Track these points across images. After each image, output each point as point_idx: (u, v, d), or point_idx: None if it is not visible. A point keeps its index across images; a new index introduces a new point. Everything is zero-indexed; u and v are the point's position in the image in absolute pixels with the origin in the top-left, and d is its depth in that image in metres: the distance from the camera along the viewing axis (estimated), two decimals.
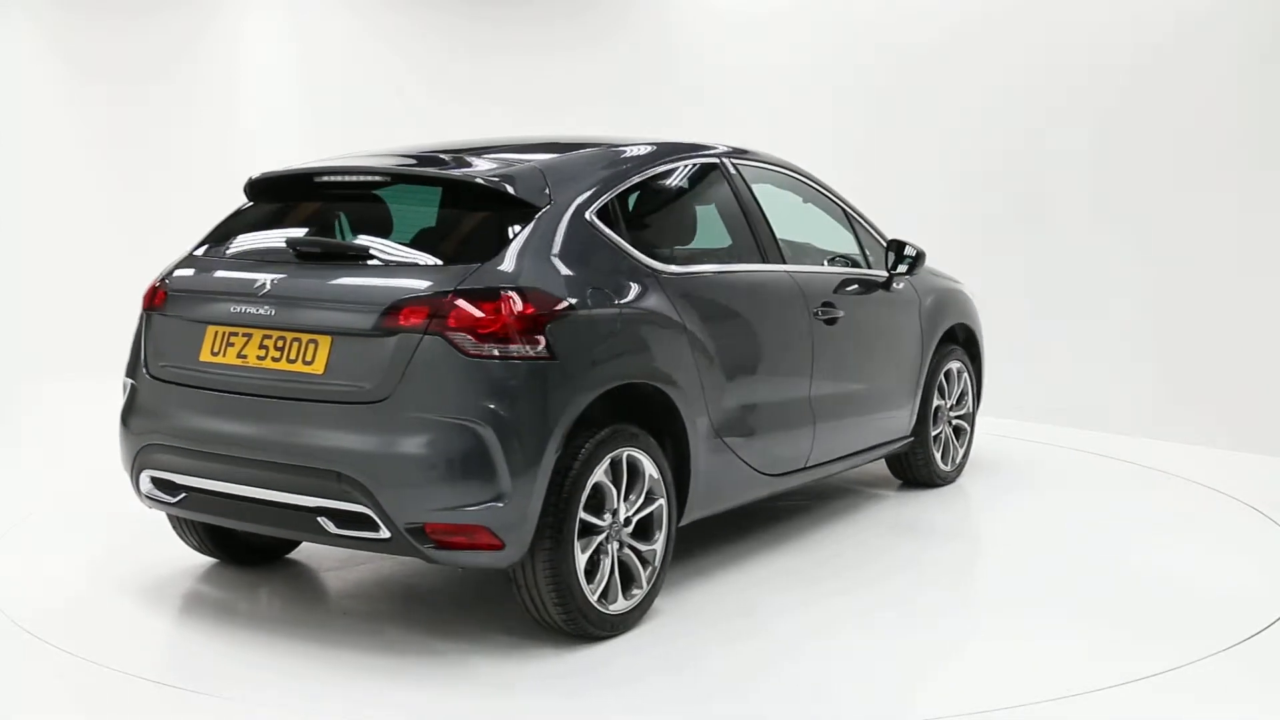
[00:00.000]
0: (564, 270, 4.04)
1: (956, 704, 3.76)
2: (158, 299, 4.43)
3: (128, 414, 4.41)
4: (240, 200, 4.72)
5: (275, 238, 4.34)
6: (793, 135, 9.18)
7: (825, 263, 5.61)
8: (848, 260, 5.70)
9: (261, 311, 4.05)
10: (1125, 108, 7.90)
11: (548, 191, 4.18)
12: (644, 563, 4.26)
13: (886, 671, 4.05)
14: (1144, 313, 7.87)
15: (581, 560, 3.98)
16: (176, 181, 9.95)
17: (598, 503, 4.07)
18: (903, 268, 5.72)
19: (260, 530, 4.34)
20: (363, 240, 4.29)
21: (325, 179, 4.44)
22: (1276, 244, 7.32)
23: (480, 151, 4.58)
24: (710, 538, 5.34)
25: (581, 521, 3.99)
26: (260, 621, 4.44)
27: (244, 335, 4.09)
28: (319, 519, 3.93)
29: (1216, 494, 6.29)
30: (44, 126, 10.13)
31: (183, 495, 4.27)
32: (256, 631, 4.32)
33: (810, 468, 5.25)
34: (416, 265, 3.99)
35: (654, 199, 4.84)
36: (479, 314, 3.78)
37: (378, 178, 4.40)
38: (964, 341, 6.45)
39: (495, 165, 4.31)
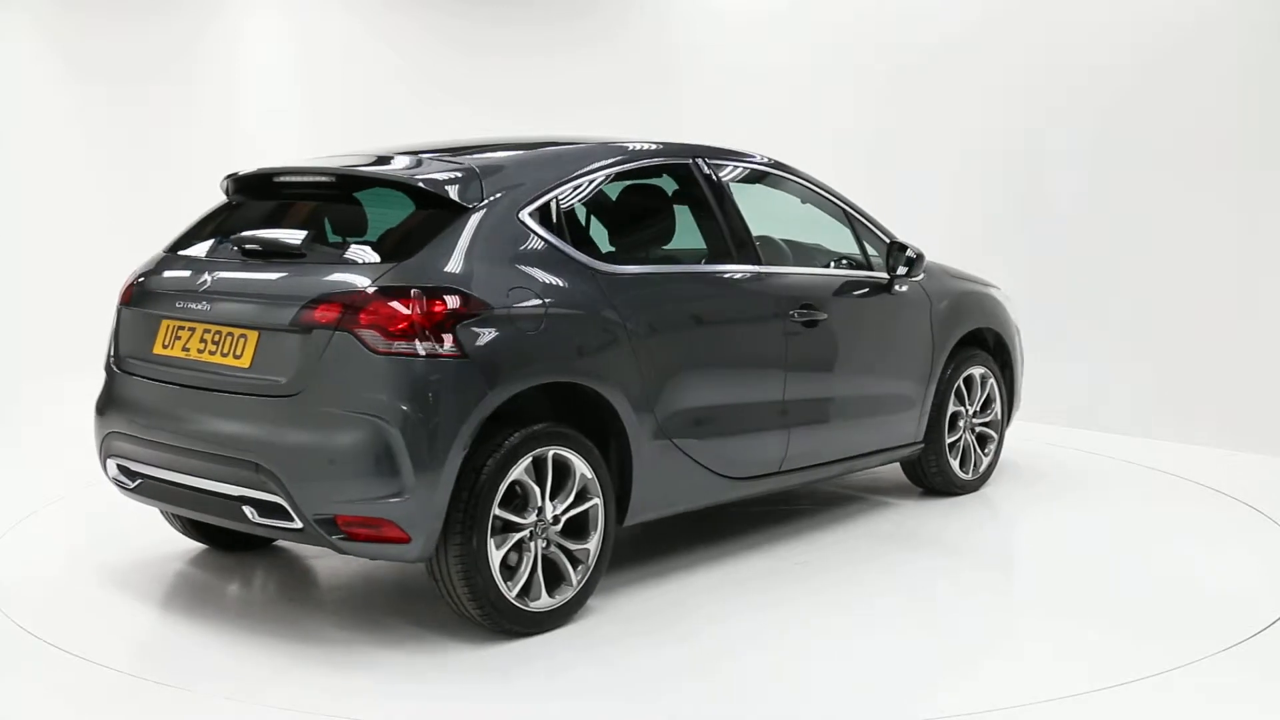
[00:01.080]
0: (484, 269, 4.09)
1: (956, 704, 3.76)
2: (127, 294, 4.64)
3: (99, 403, 4.64)
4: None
5: (229, 236, 4.53)
6: (793, 135, 9.18)
7: (831, 265, 5.56)
8: (851, 262, 5.61)
9: (201, 307, 4.26)
10: (1125, 108, 7.90)
11: (481, 192, 4.25)
12: (576, 562, 4.30)
13: (811, 674, 4.05)
14: (1144, 312, 7.87)
15: (496, 556, 4.03)
16: (176, 181, 9.94)
17: (522, 500, 4.14)
18: (902, 270, 5.60)
19: (203, 519, 4.47)
20: (298, 238, 4.41)
21: (280, 179, 4.59)
22: (1277, 244, 7.32)
23: (443, 152, 4.65)
24: (680, 540, 5.32)
25: (498, 518, 4.05)
26: (264, 621, 4.44)
27: (189, 329, 4.29)
28: (243, 508, 4.09)
29: (1216, 494, 6.29)
30: (44, 126, 10.13)
31: (139, 482, 4.47)
32: (260, 632, 4.32)
33: (787, 472, 5.17)
34: (341, 263, 4.13)
35: (607, 200, 4.92)
36: (388, 312, 3.87)
37: (323, 178, 4.49)
38: (995, 347, 6.28)
39: (435, 166, 4.41)
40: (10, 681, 3.98)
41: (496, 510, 4.03)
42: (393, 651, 4.12)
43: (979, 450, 6.19)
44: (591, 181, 4.65)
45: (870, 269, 5.63)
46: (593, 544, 4.32)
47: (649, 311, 4.52)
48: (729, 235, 5.02)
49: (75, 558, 5.16)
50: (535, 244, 4.28)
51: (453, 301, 3.96)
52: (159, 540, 5.25)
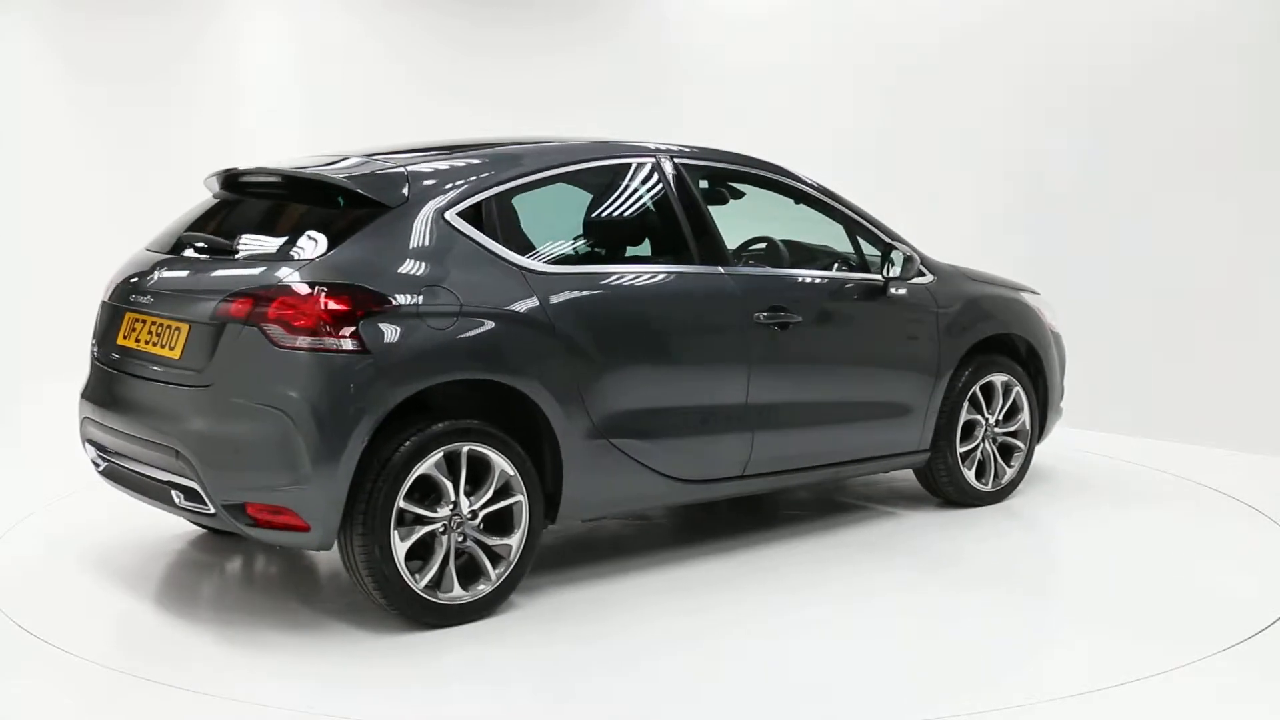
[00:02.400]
0: (395, 267, 4.20)
1: (955, 704, 3.76)
2: (108, 289, 4.87)
3: (81, 390, 4.87)
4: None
5: (188, 233, 4.70)
6: (793, 135, 9.18)
7: (835, 267, 5.50)
8: (851, 264, 5.54)
9: (149, 300, 4.50)
10: (1125, 108, 7.90)
11: (406, 192, 4.36)
12: (497, 557, 4.36)
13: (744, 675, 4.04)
14: (1144, 312, 7.87)
15: (400, 548, 4.13)
16: (176, 181, 9.92)
17: (436, 494, 4.23)
18: (894, 271, 5.43)
19: (148, 503, 4.58)
20: (233, 236, 4.54)
21: (242, 179, 4.76)
22: (1276, 244, 7.32)
23: (404, 153, 4.75)
24: (635, 542, 5.33)
25: (405, 511, 4.15)
26: (273, 621, 4.44)
27: (142, 322, 4.51)
28: (171, 492, 4.30)
29: (1217, 494, 6.29)
30: (44, 126, 10.13)
31: (104, 465, 4.72)
32: (262, 632, 4.32)
33: (754, 476, 5.11)
34: (265, 261, 4.26)
35: (556, 200, 4.93)
36: (291, 308, 4.02)
37: (270, 179, 4.66)
38: (1027, 354, 6.08)
39: (370, 167, 4.52)
40: (10, 681, 3.98)
41: (402, 503, 4.13)
42: (298, 634, 4.23)
43: (1001, 461, 5.95)
44: (537, 182, 4.71)
45: (868, 271, 5.52)
46: (514, 541, 4.38)
47: (584, 311, 4.55)
48: (690, 235, 4.99)
49: (75, 557, 5.16)
50: (460, 244, 4.37)
51: (357, 298, 4.07)
52: (159, 540, 5.25)
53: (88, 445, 4.83)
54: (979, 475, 5.87)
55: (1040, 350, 6.10)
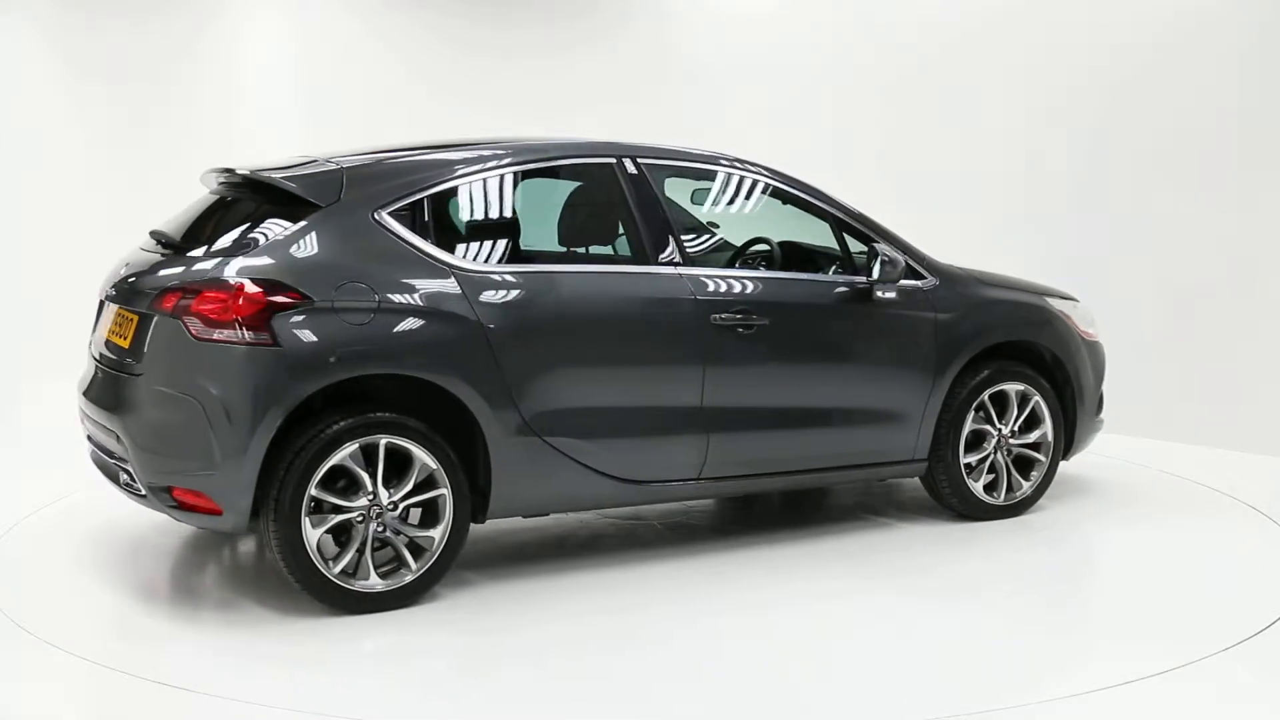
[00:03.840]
0: (314, 265, 4.36)
1: (955, 704, 3.76)
2: (102, 284, 5.02)
3: (79, 381, 5.01)
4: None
5: (154, 230, 4.90)
6: (793, 135, 9.18)
7: (832, 270, 5.41)
8: (845, 267, 5.41)
9: (114, 293, 4.71)
10: (1124, 108, 7.90)
11: (340, 192, 4.51)
12: (420, 549, 4.47)
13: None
14: (1144, 312, 7.87)
15: (312, 535, 4.30)
16: (177, 181, 9.91)
17: (356, 484, 4.37)
18: (876, 273, 5.26)
19: (114, 487, 4.74)
20: (185, 233, 4.70)
21: (218, 178, 4.92)
22: (1276, 244, 7.32)
23: (366, 154, 4.83)
24: (588, 544, 5.35)
25: (319, 500, 4.31)
26: (263, 619, 4.44)
27: (115, 314, 4.69)
28: (120, 474, 4.56)
29: (1218, 494, 6.29)
30: (44, 126, 10.13)
31: (90, 451, 4.91)
32: (264, 631, 4.32)
33: (712, 479, 5.05)
34: (202, 256, 4.44)
35: (498, 200, 4.92)
36: (209, 302, 4.23)
37: (230, 179, 4.83)
38: (1053, 363, 5.83)
39: (311, 168, 4.66)
40: (10, 681, 3.98)
41: (316, 491, 4.28)
42: (299, 633, 4.29)
43: (1015, 473, 5.71)
44: (478, 183, 4.80)
45: (858, 273, 5.34)
46: (438, 533, 4.48)
47: (515, 310, 4.59)
48: (645, 236, 4.96)
49: (75, 557, 5.16)
50: (387, 243, 4.49)
51: (271, 294, 4.24)
52: (159, 540, 5.25)
53: (84, 434, 5.00)
54: (990, 488, 5.66)
55: (1065, 359, 5.82)
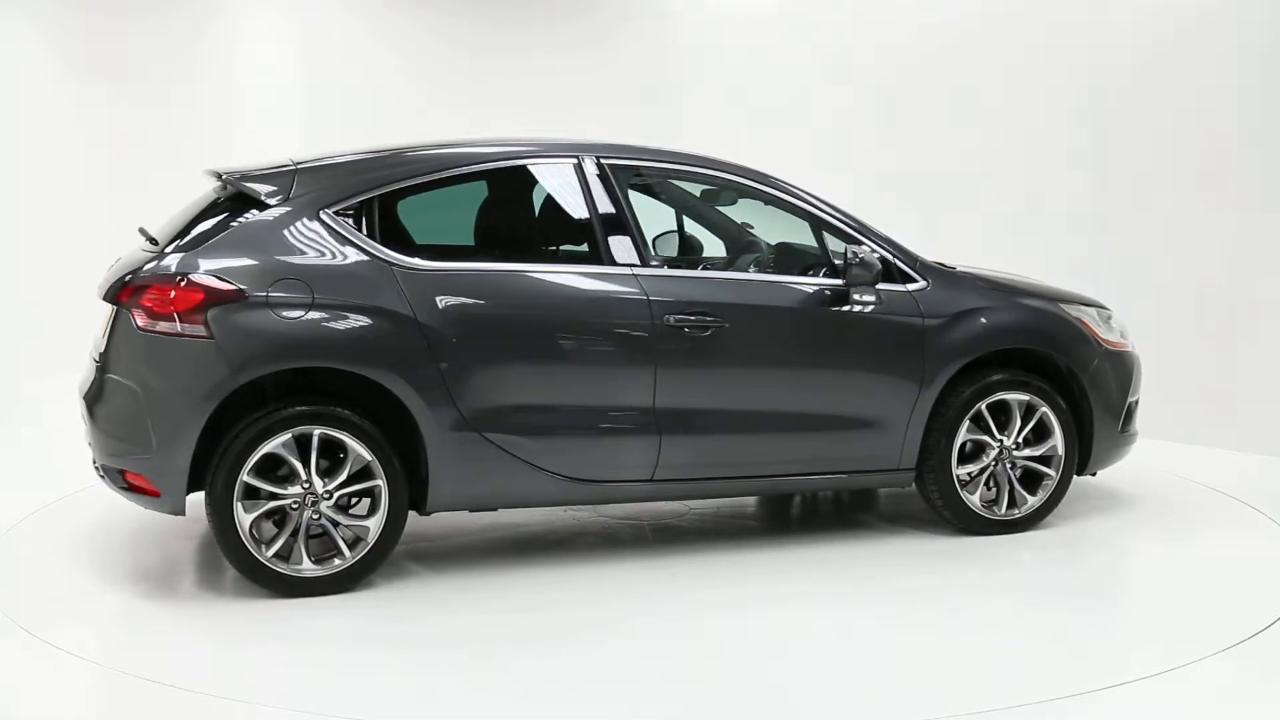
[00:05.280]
0: (253, 261, 4.55)
1: (954, 705, 3.76)
2: None
3: None
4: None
5: (141, 228, 5.08)
6: (793, 136, 9.18)
7: (814, 273, 5.28)
8: (814, 269, 5.29)
9: (103, 290, 4.82)
10: (1124, 107, 7.90)
11: (289, 191, 4.72)
12: (356, 537, 4.63)
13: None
14: (1143, 312, 7.86)
15: (245, 519, 4.51)
16: (177, 181, 9.92)
17: (292, 472, 4.57)
18: (847, 276, 5.13)
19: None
20: (171, 230, 4.82)
21: (210, 179, 5.08)
22: (1276, 244, 7.32)
23: (336, 156, 4.95)
24: (550, 543, 5.35)
25: (252, 486, 4.50)
26: (264, 619, 4.44)
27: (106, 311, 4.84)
28: (92, 457, 4.79)
29: (1217, 494, 6.29)
30: (44, 126, 10.13)
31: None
32: (265, 631, 4.32)
33: (667, 481, 5.01)
34: (163, 252, 4.62)
35: (442, 200, 5.03)
36: (151, 296, 4.48)
37: (216, 179, 4.98)
38: (1068, 373, 5.53)
39: (268, 169, 4.84)
40: (10, 681, 3.98)
41: (247, 477, 4.48)
42: (298, 634, 4.33)
43: (1020, 488, 5.45)
44: (428, 183, 4.89)
45: (838, 275, 5.19)
46: (373, 523, 4.63)
47: (456, 307, 4.68)
48: (602, 236, 4.97)
49: (74, 557, 5.16)
50: (331, 241, 4.66)
51: (209, 289, 4.46)
52: (159, 540, 5.26)
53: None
54: (991, 502, 5.44)
55: (1079, 369, 5.51)
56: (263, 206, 4.68)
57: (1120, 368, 5.67)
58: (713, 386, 5.02)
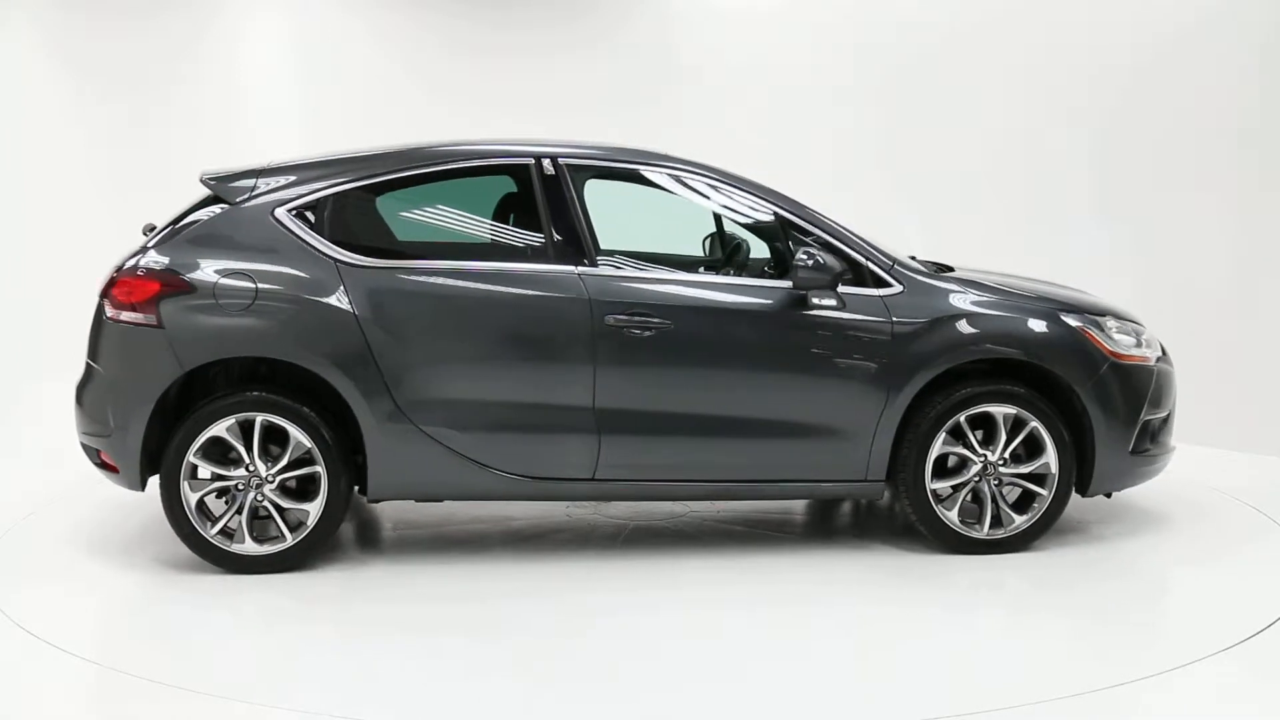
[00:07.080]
0: (208, 256, 4.88)
1: (954, 705, 3.76)
2: None
3: None
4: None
5: (147, 224, 5.29)
6: (793, 136, 9.18)
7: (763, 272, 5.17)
8: (770, 269, 5.20)
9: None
10: (1125, 108, 7.90)
11: (251, 191, 5.01)
12: (297, 520, 4.89)
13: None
14: (1143, 312, 7.84)
15: (192, 497, 4.84)
16: (177, 181, 9.92)
17: (237, 456, 4.87)
18: (795, 278, 4.97)
19: None
20: (162, 227, 5.09)
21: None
22: (1276, 244, 7.32)
23: (302, 159, 5.20)
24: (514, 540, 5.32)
25: (198, 466, 4.84)
26: (264, 620, 4.43)
27: None
28: None
29: (1217, 494, 6.29)
30: (44, 127, 10.13)
31: None
32: (266, 631, 4.32)
33: (609, 481, 4.99)
34: (145, 248, 4.94)
35: (394, 200, 5.17)
36: (120, 287, 4.87)
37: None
38: (1065, 387, 5.18)
39: (239, 169, 5.10)
40: (10, 681, 3.98)
41: (192, 458, 4.82)
42: (298, 634, 4.38)
43: (1005, 506, 5.17)
44: (381, 184, 5.08)
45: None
46: (313, 508, 4.87)
47: (393, 303, 4.88)
48: (551, 235, 5.02)
49: (75, 557, 5.17)
50: (280, 238, 4.92)
51: (163, 282, 4.83)
52: (159, 539, 5.25)
53: None
54: (974, 519, 5.16)
55: (1075, 382, 5.15)
56: (230, 205, 4.97)
57: (1132, 382, 5.28)
58: (655, 388, 4.98)
